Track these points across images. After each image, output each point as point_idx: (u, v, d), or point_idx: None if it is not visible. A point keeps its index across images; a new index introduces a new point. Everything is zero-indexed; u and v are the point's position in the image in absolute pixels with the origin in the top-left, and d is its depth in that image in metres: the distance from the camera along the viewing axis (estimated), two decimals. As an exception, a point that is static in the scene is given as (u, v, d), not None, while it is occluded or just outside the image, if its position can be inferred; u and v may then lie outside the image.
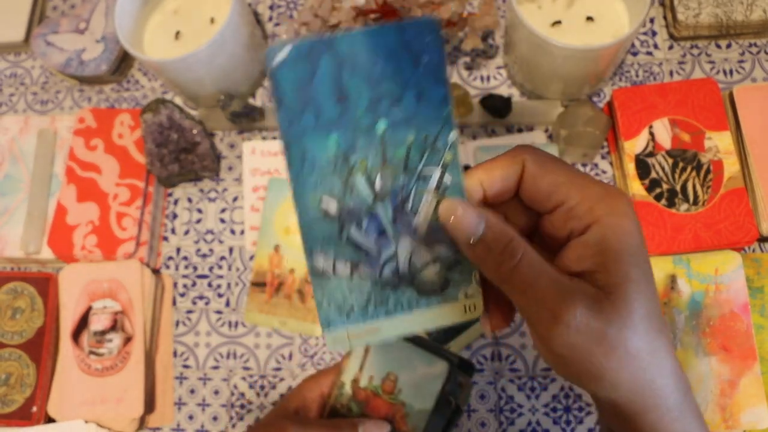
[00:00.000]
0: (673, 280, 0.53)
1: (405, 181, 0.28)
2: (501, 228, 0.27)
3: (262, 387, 0.59)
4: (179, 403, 0.60)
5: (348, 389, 0.42)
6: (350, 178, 0.28)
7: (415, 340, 0.43)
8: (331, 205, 0.28)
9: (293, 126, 0.27)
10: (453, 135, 0.28)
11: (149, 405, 0.59)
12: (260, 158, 0.64)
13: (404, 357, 0.42)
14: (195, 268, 0.63)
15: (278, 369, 0.59)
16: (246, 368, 0.60)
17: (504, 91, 0.65)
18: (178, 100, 0.69)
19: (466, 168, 0.29)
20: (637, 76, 0.64)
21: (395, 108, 0.27)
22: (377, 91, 0.27)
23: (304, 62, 0.26)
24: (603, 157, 0.62)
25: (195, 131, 0.62)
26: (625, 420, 0.27)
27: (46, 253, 0.62)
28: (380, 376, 0.42)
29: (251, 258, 0.63)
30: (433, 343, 0.43)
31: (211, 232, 0.64)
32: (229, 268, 0.63)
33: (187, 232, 0.65)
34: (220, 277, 0.63)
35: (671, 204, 0.55)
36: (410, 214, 0.29)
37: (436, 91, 0.27)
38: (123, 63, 0.70)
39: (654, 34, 0.65)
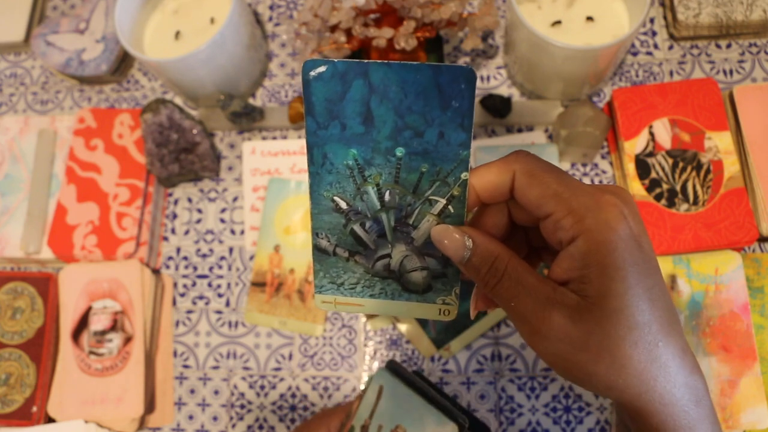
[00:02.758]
0: (673, 280, 0.53)
1: (411, 201, 0.31)
2: (485, 249, 0.29)
3: (262, 387, 0.59)
4: (179, 403, 0.60)
5: None
6: (363, 187, 0.31)
7: (428, 396, 0.45)
8: (342, 203, 0.31)
9: (318, 132, 0.30)
10: (465, 175, 0.30)
11: (149, 405, 0.59)
12: (260, 158, 0.64)
13: (415, 412, 0.44)
14: (195, 268, 0.63)
15: (278, 369, 0.59)
16: (246, 368, 0.60)
17: (504, 91, 0.65)
18: (178, 100, 0.69)
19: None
20: (637, 76, 0.64)
21: (416, 140, 0.29)
22: (402, 122, 0.29)
23: (337, 81, 0.28)
24: (603, 157, 0.62)
25: (195, 131, 0.62)
26: (632, 420, 0.28)
27: (46, 253, 0.62)
28: (389, 426, 0.44)
29: (251, 258, 0.63)
30: (447, 402, 0.44)
31: (211, 232, 0.64)
32: (229, 268, 0.63)
33: (187, 232, 0.65)
34: (220, 277, 0.63)
35: (671, 204, 0.55)
36: (410, 227, 0.31)
37: (459, 135, 0.29)
38: (123, 63, 0.70)
39: (654, 34, 0.65)
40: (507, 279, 0.28)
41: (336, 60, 0.28)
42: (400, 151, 0.30)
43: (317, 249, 0.32)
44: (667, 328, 0.27)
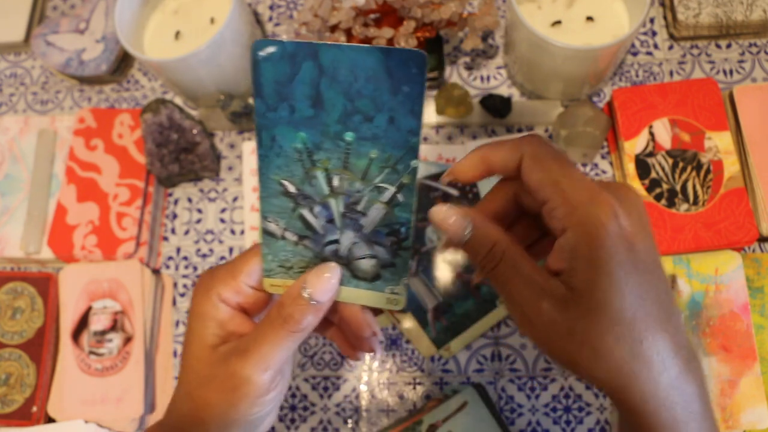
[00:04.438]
0: (673, 280, 0.53)
1: (360, 188, 0.30)
2: (484, 233, 0.29)
3: (262, 387, 0.59)
4: (179, 403, 0.60)
5: (424, 429, 0.48)
6: (311, 171, 0.30)
7: (506, 429, 0.49)
8: (290, 187, 0.31)
9: (267, 114, 0.29)
10: (414, 163, 0.29)
11: (149, 405, 0.59)
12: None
13: None
14: (195, 268, 0.63)
15: (278, 369, 0.59)
16: (246, 368, 0.60)
17: (504, 91, 0.65)
18: (178, 100, 0.69)
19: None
20: (637, 76, 0.64)
21: (365, 125, 0.28)
22: (352, 106, 0.28)
23: (287, 62, 0.27)
24: (603, 157, 0.62)
25: (195, 131, 0.62)
26: (618, 411, 0.29)
27: (46, 253, 0.62)
28: None
29: (251, 258, 0.63)
30: None
31: (211, 232, 0.64)
32: (229, 268, 0.63)
33: (187, 232, 0.65)
34: (220, 277, 0.63)
35: (671, 204, 0.55)
36: (359, 214, 0.31)
37: (409, 121, 0.28)
38: (123, 63, 0.70)
39: (654, 34, 0.65)
40: (504, 264, 0.29)
41: (285, 40, 0.27)
42: (349, 136, 0.29)
43: (266, 232, 0.32)
44: (655, 325, 0.27)
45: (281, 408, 0.58)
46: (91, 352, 0.58)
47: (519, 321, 0.29)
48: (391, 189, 0.30)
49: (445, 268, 0.57)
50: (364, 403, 0.57)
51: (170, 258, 0.64)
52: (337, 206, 0.31)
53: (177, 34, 0.64)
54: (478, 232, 0.29)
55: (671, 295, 0.28)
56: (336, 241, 0.31)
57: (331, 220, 0.31)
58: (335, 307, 0.33)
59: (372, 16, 0.58)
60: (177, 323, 0.62)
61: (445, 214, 0.30)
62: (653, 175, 0.56)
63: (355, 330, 0.33)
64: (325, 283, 0.31)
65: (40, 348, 0.59)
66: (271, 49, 0.27)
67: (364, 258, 0.32)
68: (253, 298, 0.33)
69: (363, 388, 0.58)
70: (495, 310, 0.56)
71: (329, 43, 0.27)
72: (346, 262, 0.32)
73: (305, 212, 0.31)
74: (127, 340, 0.58)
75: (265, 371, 0.31)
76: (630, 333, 0.26)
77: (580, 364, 0.27)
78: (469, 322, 0.56)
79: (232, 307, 0.33)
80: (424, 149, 0.62)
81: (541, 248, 0.34)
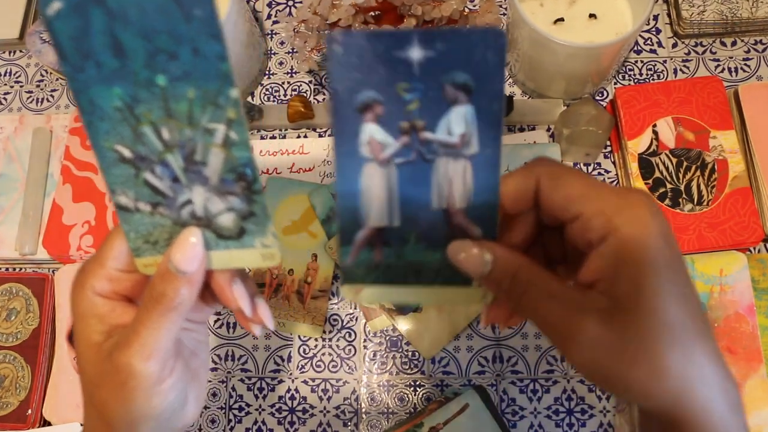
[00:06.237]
0: (677, 281, 0.52)
1: (191, 134, 0.28)
2: (506, 262, 0.28)
3: (261, 389, 0.58)
4: (177, 406, 0.59)
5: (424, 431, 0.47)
6: (138, 128, 0.28)
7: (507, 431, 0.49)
8: (125, 151, 0.29)
9: (78, 76, 0.27)
10: (234, 92, 0.27)
11: (146, 408, 0.58)
12: (259, 157, 0.63)
13: None
14: (192, 269, 0.63)
15: (277, 371, 0.59)
16: (244, 370, 0.59)
17: (506, 89, 0.64)
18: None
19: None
20: (640, 74, 0.63)
21: (172, 63, 0.27)
22: (152, 46, 0.26)
23: (76, 15, 0.26)
24: (606, 157, 0.61)
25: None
26: (664, 430, 0.27)
27: (42, 254, 0.62)
28: None
29: (249, 258, 0.62)
30: None
31: (208, 232, 0.64)
32: (227, 269, 0.62)
33: (184, 233, 0.64)
34: (218, 277, 0.62)
35: (675, 204, 0.54)
36: (200, 164, 0.29)
37: (211, 46, 0.26)
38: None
39: (658, 31, 0.65)
40: (533, 289, 0.27)
41: None
42: (161, 80, 0.27)
43: (119, 207, 0.29)
44: (701, 326, 0.25)
45: (280, 410, 0.58)
46: (87, 354, 0.57)
47: (561, 346, 0.27)
48: (221, 127, 0.28)
49: (446, 188, 0.31)
50: (363, 405, 0.57)
51: (167, 258, 0.64)
52: (176, 161, 0.29)
53: (174, 32, 0.63)
54: (498, 262, 0.28)
55: (699, 296, 0.27)
56: (189, 202, 0.29)
57: (175, 179, 0.29)
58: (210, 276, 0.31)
59: (372, 13, 0.57)
60: (174, 325, 0.61)
61: (462, 248, 0.28)
62: (657, 174, 0.55)
63: (226, 304, 0.31)
64: (190, 251, 0.29)
65: (35, 350, 0.58)
66: (57, 5, 0.25)
67: (221, 214, 0.30)
68: (130, 281, 0.31)
69: (363, 390, 0.57)
70: (464, 288, 0.32)
71: None
72: (207, 223, 0.30)
73: (148, 176, 0.29)
74: (124, 342, 0.58)
75: (148, 359, 0.29)
76: (682, 337, 0.25)
77: (636, 381, 0.25)
78: (413, 281, 0.32)
79: (109, 297, 0.31)
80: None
81: (563, 268, 0.32)
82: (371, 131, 0.28)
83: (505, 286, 0.28)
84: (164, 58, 0.26)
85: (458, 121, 0.28)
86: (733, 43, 0.63)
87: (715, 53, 0.63)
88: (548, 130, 0.62)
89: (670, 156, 0.56)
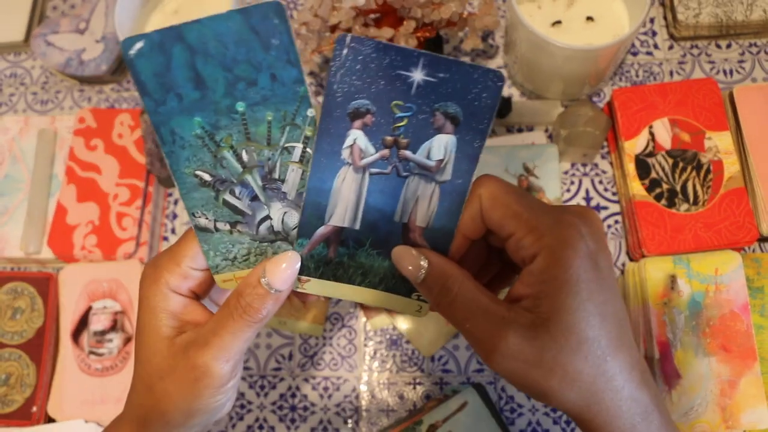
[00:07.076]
0: (673, 280, 0.53)
1: (269, 154, 0.30)
2: (439, 270, 0.30)
3: (262, 387, 0.59)
4: (179, 403, 0.60)
5: (424, 429, 0.49)
6: (219, 153, 0.30)
7: (506, 429, 0.49)
8: (205, 176, 0.30)
9: (159, 110, 0.29)
10: (310, 112, 0.29)
11: (149, 405, 0.59)
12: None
13: None
14: (195, 268, 0.63)
15: (278, 369, 0.59)
16: (246, 368, 0.60)
17: (504, 91, 0.65)
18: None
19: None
20: (637, 76, 0.64)
21: (251, 90, 0.29)
22: (232, 75, 0.28)
23: (158, 53, 0.28)
24: (603, 157, 0.62)
25: (195, 131, 0.62)
26: (582, 429, 0.29)
27: (46, 253, 0.62)
28: None
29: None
30: None
31: (211, 232, 0.64)
32: (229, 268, 0.63)
33: (187, 232, 0.65)
34: (220, 277, 0.63)
35: (671, 204, 0.55)
36: (278, 182, 0.31)
37: (289, 72, 0.28)
38: (123, 63, 0.70)
39: (654, 34, 0.65)
40: (460, 299, 0.29)
41: (150, 32, 0.27)
42: (240, 106, 0.29)
43: (198, 229, 0.31)
44: (615, 342, 0.27)
45: (281, 408, 0.58)
46: (91, 352, 0.58)
47: (484, 356, 0.28)
48: (299, 146, 0.30)
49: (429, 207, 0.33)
50: (364, 403, 0.57)
51: (170, 258, 0.64)
52: (254, 181, 0.31)
53: (177, 34, 0.64)
54: (432, 269, 0.30)
55: (626, 313, 0.29)
56: (267, 217, 0.31)
57: (254, 197, 0.31)
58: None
59: (372, 16, 0.58)
60: (177, 323, 0.62)
61: (404, 253, 0.30)
62: (653, 175, 0.56)
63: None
64: (283, 273, 0.31)
65: (40, 348, 0.59)
66: (139, 45, 0.27)
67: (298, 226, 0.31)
68: (198, 279, 0.33)
69: (363, 388, 0.58)
70: (402, 298, 0.34)
71: (189, 21, 0.27)
72: (285, 236, 0.31)
73: (228, 197, 0.31)
74: (127, 340, 0.58)
75: (226, 362, 0.31)
76: (595, 351, 0.27)
77: (551, 389, 0.27)
78: (359, 281, 0.33)
79: (182, 294, 0.32)
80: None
81: (499, 282, 0.34)
82: (357, 137, 0.30)
83: (435, 293, 0.30)
84: (243, 85, 0.28)
85: (439, 148, 0.30)
86: (728, 46, 0.64)
87: (710, 55, 0.64)
88: (546, 131, 0.63)
89: (667, 157, 0.56)
